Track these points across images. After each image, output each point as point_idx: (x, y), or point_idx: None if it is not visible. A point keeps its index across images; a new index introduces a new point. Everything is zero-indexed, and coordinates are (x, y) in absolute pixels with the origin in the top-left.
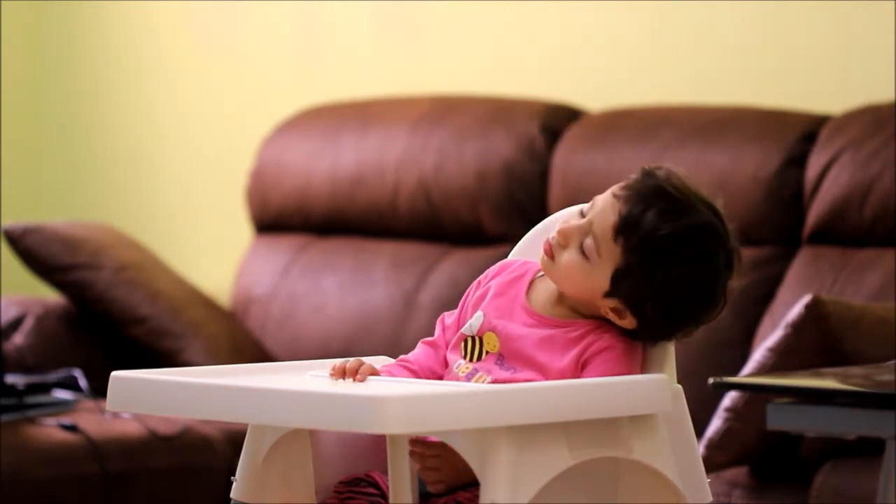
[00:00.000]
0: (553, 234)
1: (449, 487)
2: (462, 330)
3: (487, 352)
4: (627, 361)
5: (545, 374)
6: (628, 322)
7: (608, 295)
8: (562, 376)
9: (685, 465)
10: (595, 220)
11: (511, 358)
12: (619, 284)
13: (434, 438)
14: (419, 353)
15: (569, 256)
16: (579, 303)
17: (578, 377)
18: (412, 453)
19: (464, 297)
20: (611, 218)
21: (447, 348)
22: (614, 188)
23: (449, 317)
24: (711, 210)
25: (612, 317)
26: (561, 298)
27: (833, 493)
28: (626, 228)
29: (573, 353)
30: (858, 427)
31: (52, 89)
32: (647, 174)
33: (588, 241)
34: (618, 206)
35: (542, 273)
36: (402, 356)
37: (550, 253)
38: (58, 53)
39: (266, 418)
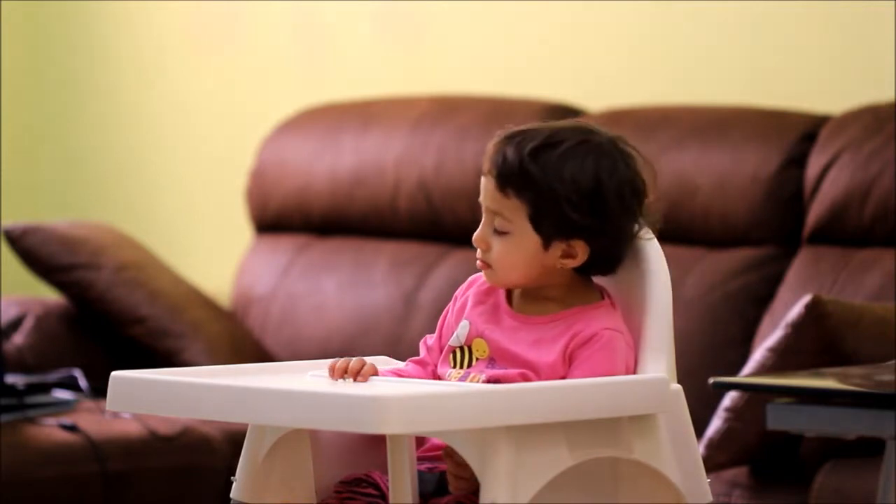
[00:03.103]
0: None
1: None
2: (450, 342)
3: (477, 358)
4: (612, 350)
5: (536, 371)
6: (582, 251)
7: (546, 245)
8: (552, 371)
9: (685, 465)
10: (485, 202)
11: (502, 360)
12: (542, 226)
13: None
14: (410, 369)
15: (496, 249)
16: (545, 283)
17: (567, 370)
18: (446, 454)
19: (442, 317)
20: (490, 186)
21: (435, 366)
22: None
23: (431, 339)
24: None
25: (569, 263)
26: (535, 294)
27: (833, 493)
28: (503, 179)
29: (559, 346)
30: (858, 427)
31: (51, 90)
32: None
33: (496, 221)
34: (486, 173)
35: None
36: (396, 369)
37: (485, 264)
38: (58, 53)
39: (266, 418)
